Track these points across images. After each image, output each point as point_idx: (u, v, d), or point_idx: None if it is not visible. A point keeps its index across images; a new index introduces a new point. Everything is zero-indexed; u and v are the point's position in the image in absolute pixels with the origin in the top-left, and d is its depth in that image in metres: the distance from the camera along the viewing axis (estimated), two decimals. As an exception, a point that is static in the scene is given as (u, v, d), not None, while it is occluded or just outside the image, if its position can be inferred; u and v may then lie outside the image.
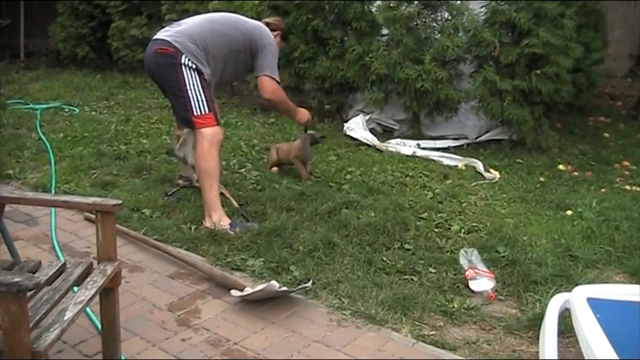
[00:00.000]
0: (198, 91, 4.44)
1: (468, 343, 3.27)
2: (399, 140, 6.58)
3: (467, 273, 3.83)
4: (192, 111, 4.44)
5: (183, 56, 4.44)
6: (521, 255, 4.12)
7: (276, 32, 4.97)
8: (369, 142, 6.48)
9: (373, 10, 6.81)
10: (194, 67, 4.45)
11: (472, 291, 3.74)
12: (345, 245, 4.21)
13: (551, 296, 2.99)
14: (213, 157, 4.45)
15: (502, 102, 6.18)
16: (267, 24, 4.92)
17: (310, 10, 6.91)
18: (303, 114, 5.22)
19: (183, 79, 4.44)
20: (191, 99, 4.43)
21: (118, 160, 5.82)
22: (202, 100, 4.44)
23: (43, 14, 10.43)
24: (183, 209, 4.75)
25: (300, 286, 3.67)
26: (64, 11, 10.12)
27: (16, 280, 2.16)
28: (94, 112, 7.64)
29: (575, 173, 5.86)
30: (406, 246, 4.25)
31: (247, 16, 5.20)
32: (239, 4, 7.30)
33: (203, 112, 4.44)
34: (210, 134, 4.45)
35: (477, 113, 6.41)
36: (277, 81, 4.77)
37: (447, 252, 4.20)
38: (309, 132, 5.41)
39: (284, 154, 5.48)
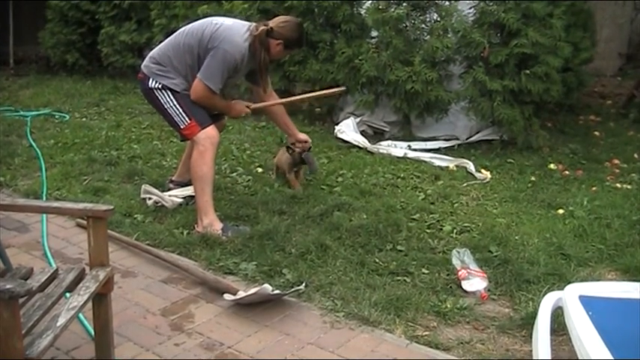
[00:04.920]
0: (174, 105, 4.56)
1: (461, 343, 3.28)
2: (389, 142, 6.58)
3: (459, 273, 3.83)
4: (179, 125, 4.59)
5: (150, 80, 4.61)
6: (514, 254, 4.14)
7: (278, 41, 4.55)
8: (360, 145, 6.48)
9: (362, 12, 6.83)
10: (160, 86, 4.57)
11: (465, 291, 3.75)
12: (338, 247, 4.22)
13: (544, 295, 2.99)
14: (206, 161, 4.47)
15: (492, 102, 6.19)
16: (269, 30, 4.52)
17: (300, 13, 6.90)
18: (238, 111, 4.78)
19: (159, 101, 4.61)
20: (173, 116, 4.59)
21: (109, 166, 5.81)
22: (180, 113, 4.55)
23: (32, 21, 10.40)
24: (175, 214, 4.74)
25: (293, 289, 3.67)
26: (53, 18, 10.09)
27: (8, 286, 2.16)
28: (84, 119, 7.62)
29: (566, 172, 5.87)
30: (398, 247, 4.26)
31: (240, 18, 5.11)
32: (228, 7, 7.30)
33: (186, 123, 4.55)
34: (202, 139, 4.50)
35: (467, 114, 6.43)
36: (210, 87, 4.45)
37: (440, 252, 4.21)
38: (298, 152, 5.17)
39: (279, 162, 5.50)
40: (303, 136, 5.21)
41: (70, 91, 8.93)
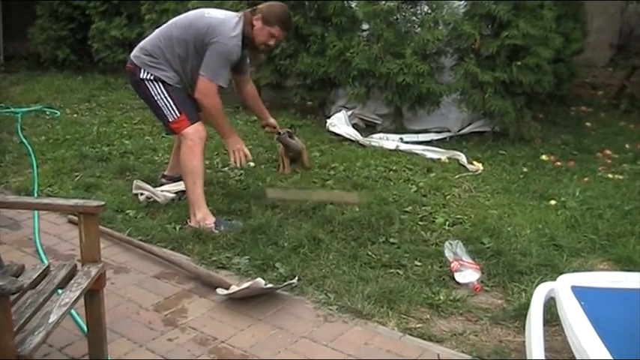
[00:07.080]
0: (165, 98, 4.53)
1: (454, 334, 3.28)
2: (381, 135, 6.58)
3: (452, 265, 3.84)
4: (167, 118, 4.56)
5: (141, 71, 4.55)
6: (506, 245, 4.14)
7: (257, 16, 4.49)
8: (352, 138, 6.48)
9: (353, 5, 6.81)
10: (152, 77, 4.53)
11: (458, 283, 3.76)
12: (330, 241, 4.22)
13: (537, 286, 3.00)
14: (196, 155, 4.46)
15: (484, 94, 6.19)
16: (253, 10, 4.53)
17: (290, 7, 6.82)
18: (234, 141, 4.67)
19: (149, 92, 4.56)
20: (162, 108, 4.55)
21: (100, 162, 5.79)
22: (171, 106, 4.52)
23: (22, 17, 10.34)
24: (168, 209, 4.73)
25: (285, 283, 3.67)
26: (43, 13, 10.05)
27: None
28: (75, 115, 7.60)
29: (558, 163, 5.89)
30: (391, 240, 4.26)
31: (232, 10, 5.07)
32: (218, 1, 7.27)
33: (176, 117, 4.53)
34: (191, 134, 4.49)
35: (458, 106, 6.43)
36: (218, 84, 4.43)
37: (432, 245, 4.21)
38: (281, 131, 5.36)
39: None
40: (272, 121, 5.28)
41: (60, 87, 8.90)
